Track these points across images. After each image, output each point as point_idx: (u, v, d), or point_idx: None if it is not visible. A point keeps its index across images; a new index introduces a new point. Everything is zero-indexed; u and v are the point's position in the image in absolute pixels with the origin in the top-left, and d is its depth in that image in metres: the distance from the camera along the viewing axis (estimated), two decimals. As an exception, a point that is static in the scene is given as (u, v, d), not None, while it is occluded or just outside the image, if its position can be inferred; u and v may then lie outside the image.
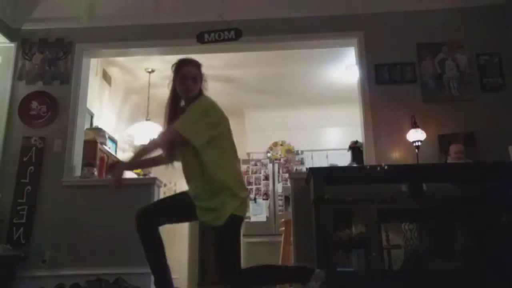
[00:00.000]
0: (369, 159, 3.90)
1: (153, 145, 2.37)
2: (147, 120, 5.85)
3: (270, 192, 6.18)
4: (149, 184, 3.98)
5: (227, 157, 2.27)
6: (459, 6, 4.23)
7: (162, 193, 6.13)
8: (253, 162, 6.40)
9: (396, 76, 4.12)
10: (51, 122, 4.16)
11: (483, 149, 3.80)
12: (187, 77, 2.29)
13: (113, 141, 5.47)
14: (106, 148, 5.00)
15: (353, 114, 4.62)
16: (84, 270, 3.64)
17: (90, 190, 3.96)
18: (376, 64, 4.14)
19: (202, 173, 2.19)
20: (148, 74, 5.76)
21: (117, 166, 2.26)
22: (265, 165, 6.44)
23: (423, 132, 3.77)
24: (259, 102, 6.72)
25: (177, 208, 2.34)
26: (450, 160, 3.71)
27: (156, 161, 2.46)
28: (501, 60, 4.08)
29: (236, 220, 2.21)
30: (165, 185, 6.33)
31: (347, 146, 4.13)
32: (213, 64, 5.07)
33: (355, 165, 3.88)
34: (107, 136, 5.06)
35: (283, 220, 4.34)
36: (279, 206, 6.07)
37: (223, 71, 5.61)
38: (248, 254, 5.77)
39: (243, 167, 6.19)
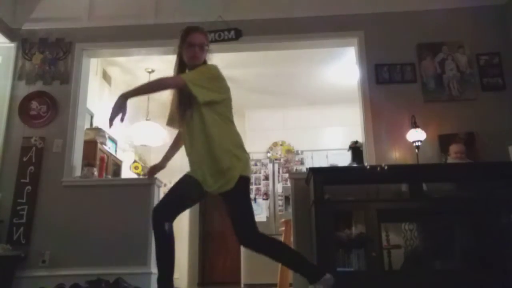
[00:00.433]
0: (369, 159, 3.90)
1: (159, 83, 2.32)
2: (147, 120, 5.85)
3: (270, 192, 6.19)
4: (149, 184, 3.97)
5: (229, 122, 2.36)
6: (459, 6, 4.23)
7: (162, 193, 6.14)
8: (253, 162, 6.40)
9: (396, 76, 4.12)
10: (51, 122, 4.16)
11: (483, 149, 3.81)
12: (194, 44, 2.34)
13: (113, 141, 5.47)
14: (106, 148, 5.01)
15: (353, 114, 4.62)
16: (84, 270, 3.63)
17: (90, 190, 3.96)
18: (376, 64, 4.14)
19: (207, 137, 2.25)
20: (148, 74, 5.76)
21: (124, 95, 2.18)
22: (265, 165, 6.44)
23: (423, 132, 3.77)
24: (259, 102, 6.72)
25: (186, 195, 2.33)
26: (450, 160, 3.71)
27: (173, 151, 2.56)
28: (501, 60, 4.08)
29: (245, 181, 2.30)
30: (165, 185, 6.32)
31: (347, 146, 4.13)
32: (213, 64, 5.07)
33: (355, 165, 3.88)
34: (107, 136, 5.06)
35: (283, 220, 4.34)
36: (279, 206, 6.07)
37: (223, 71, 5.58)
38: (248, 254, 5.78)
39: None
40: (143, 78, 5.86)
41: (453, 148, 3.72)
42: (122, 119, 2.13)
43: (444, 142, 3.87)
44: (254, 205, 5.95)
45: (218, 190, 2.27)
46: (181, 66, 2.43)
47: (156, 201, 3.94)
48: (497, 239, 3.15)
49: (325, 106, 6.71)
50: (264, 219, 6.01)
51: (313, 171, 3.42)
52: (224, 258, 7.32)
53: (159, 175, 4.28)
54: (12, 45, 4.37)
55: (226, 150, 2.27)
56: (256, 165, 6.44)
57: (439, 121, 3.95)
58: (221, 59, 5.26)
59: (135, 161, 6.08)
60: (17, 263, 3.67)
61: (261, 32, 4.28)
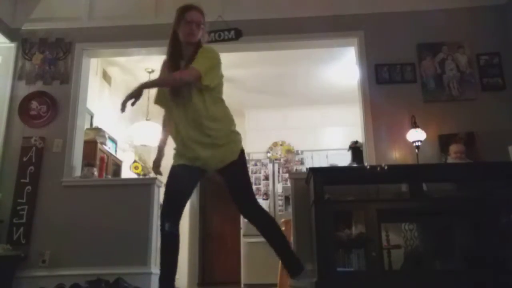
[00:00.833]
0: (369, 159, 3.90)
1: (180, 79, 2.31)
2: (147, 120, 5.85)
3: (270, 192, 6.19)
4: (149, 184, 3.97)
5: (223, 101, 2.42)
6: (459, 6, 4.23)
7: (162, 193, 6.13)
8: (253, 162, 6.41)
9: (396, 76, 4.12)
10: (51, 122, 4.16)
11: (483, 149, 3.81)
12: (192, 21, 2.34)
13: (113, 141, 5.47)
14: (106, 148, 5.01)
15: (353, 114, 4.62)
16: (84, 270, 3.63)
17: (90, 190, 3.97)
18: (376, 64, 4.14)
19: (209, 115, 2.27)
20: (148, 74, 5.76)
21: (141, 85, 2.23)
22: (265, 165, 6.44)
23: (423, 132, 3.78)
24: (259, 102, 6.72)
25: (182, 189, 2.34)
26: (450, 160, 3.71)
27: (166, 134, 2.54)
28: (501, 60, 4.08)
29: (243, 153, 2.40)
30: (165, 185, 6.33)
31: (347, 146, 4.13)
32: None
33: (355, 165, 3.88)
34: (107, 136, 5.06)
35: (283, 220, 4.34)
36: (279, 206, 6.07)
37: (223, 71, 5.60)
38: (248, 254, 5.78)
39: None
40: (143, 78, 5.86)
41: (453, 148, 3.72)
42: (133, 104, 2.18)
43: (444, 142, 3.87)
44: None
45: (221, 163, 2.29)
46: (175, 44, 2.42)
47: (156, 201, 3.95)
48: (497, 239, 3.15)
49: (325, 106, 6.71)
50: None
51: (313, 171, 3.42)
52: (224, 258, 7.32)
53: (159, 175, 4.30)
54: (12, 45, 4.37)
55: (228, 126, 2.34)
56: (256, 165, 6.44)
57: (439, 121, 3.95)
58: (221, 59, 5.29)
59: (135, 161, 6.08)
60: (17, 263, 3.67)
61: (261, 32, 4.28)
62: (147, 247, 3.75)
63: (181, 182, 2.31)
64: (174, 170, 2.35)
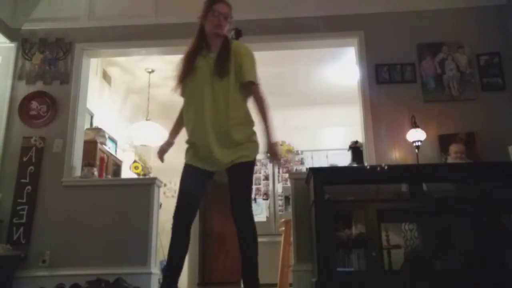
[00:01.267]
0: (369, 159, 3.90)
1: (268, 108, 2.38)
2: (147, 120, 5.85)
3: (270, 192, 6.19)
4: (149, 184, 3.97)
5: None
6: (459, 6, 4.23)
7: (162, 193, 6.14)
8: (253, 162, 6.39)
9: (396, 76, 4.12)
10: (51, 122, 4.16)
11: (483, 149, 3.80)
12: (220, 13, 2.34)
13: (113, 141, 5.47)
14: (106, 148, 5.01)
15: (353, 114, 4.62)
16: (84, 270, 3.64)
17: (90, 190, 3.97)
18: (376, 64, 4.14)
19: (238, 111, 2.28)
20: (148, 74, 5.76)
21: None
22: (265, 165, 6.44)
23: (423, 132, 3.77)
24: (259, 102, 6.71)
25: (195, 191, 2.31)
26: (450, 160, 3.71)
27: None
28: (501, 60, 4.08)
29: (255, 159, 2.40)
30: (165, 185, 6.33)
31: (347, 146, 4.13)
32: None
33: (355, 165, 3.88)
34: (107, 136, 5.06)
35: (283, 220, 4.34)
36: (279, 206, 6.07)
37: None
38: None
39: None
40: (143, 78, 5.88)
41: (453, 148, 3.71)
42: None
43: (444, 142, 3.86)
44: (254, 205, 5.99)
45: (237, 159, 2.25)
46: (201, 36, 2.41)
47: (156, 201, 3.95)
48: (497, 239, 3.15)
49: (325, 106, 6.70)
50: (264, 219, 6.01)
51: (313, 171, 3.42)
52: (224, 258, 7.31)
53: (159, 175, 4.31)
54: (12, 45, 4.37)
55: (251, 125, 2.34)
56: (256, 165, 6.42)
57: (439, 121, 3.95)
58: (221, 59, 5.29)
59: (135, 161, 6.08)
60: (17, 263, 3.68)
61: (261, 32, 4.27)
62: (147, 247, 3.75)
63: (195, 185, 2.28)
64: (189, 171, 2.30)
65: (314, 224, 3.31)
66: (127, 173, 5.73)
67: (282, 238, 4.19)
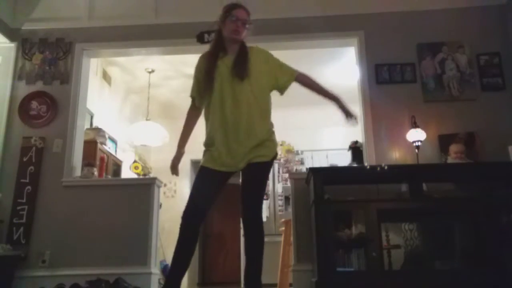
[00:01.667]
0: (369, 159, 3.90)
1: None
2: (147, 120, 5.86)
3: (270, 192, 6.18)
4: (149, 184, 3.98)
5: None
6: (459, 6, 4.23)
7: (162, 193, 6.15)
8: (253, 162, 6.39)
9: (396, 76, 4.12)
10: (51, 122, 4.16)
11: (483, 149, 3.81)
12: (238, 19, 2.36)
13: (113, 141, 5.47)
14: (106, 148, 5.01)
15: (353, 114, 4.61)
16: (84, 270, 3.64)
17: (90, 190, 3.97)
18: (376, 64, 4.14)
19: (262, 111, 2.33)
20: (148, 74, 5.76)
21: None
22: (265, 165, 6.43)
23: (423, 132, 3.77)
24: (259, 102, 6.70)
25: (210, 193, 2.30)
26: (450, 160, 3.71)
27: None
28: (501, 60, 4.08)
29: (273, 160, 2.38)
30: (165, 185, 6.34)
31: (347, 146, 4.13)
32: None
33: (355, 165, 3.88)
34: (107, 136, 5.06)
35: (283, 220, 4.34)
36: (279, 206, 6.07)
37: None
38: (248, 254, 5.77)
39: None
40: (143, 78, 5.88)
41: (453, 148, 3.72)
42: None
43: (444, 142, 3.87)
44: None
45: (254, 159, 2.24)
46: (219, 40, 2.42)
47: (156, 201, 3.95)
48: (497, 239, 3.15)
49: (325, 106, 6.56)
50: (264, 219, 5.95)
51: (313, 171, 3.42)
52: (224, 258, 7.33)
53: (159, 175, 4.31)
54: (12, 45, 4.37)
55: (271, 126, 2.37)
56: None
57: (439, 121, 3.95)
58: (221, 59, 5.29)
59: (135, 161, 6.08)
60: (17, 263, 3.67)
61: (261, 32, 4.26)
62: (147, 247, 3.75)
63: (209, 187, 2.27)
64: (205, 173, 2.28)
65: (314, 224, 3.32)
66: (127, 173, 5.74)
67: (282, 238, 4.19)
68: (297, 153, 6.79)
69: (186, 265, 2.22)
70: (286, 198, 5.85)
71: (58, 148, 4.08)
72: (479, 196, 3.41)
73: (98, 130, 4.89)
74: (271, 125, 2.37)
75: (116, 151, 5.51)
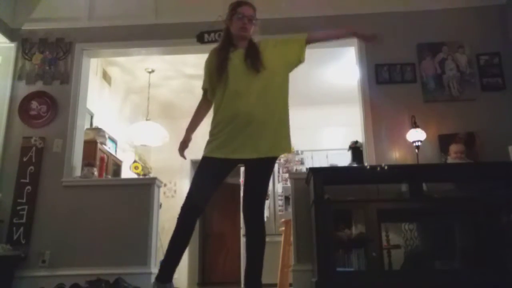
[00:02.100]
0: (369, 159, 3.90)
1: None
2: (147, 120, 5.86)
3: (270, 192, 6.18)
4: (149, 184, 3.98)
5: None
6: (459, 6, 4.23)
7: (162, 193, 6.15)
8: (253, 162, 6.38)
9: (396, 76, 4.12)
10: (51, 122, 4.16)
11: (483, 149, 3.81)
12: (244, 16, 2.36)
13: (113, 141, 5.47)
14: (106, 148, 5.01)
15: (353, 114, 4.62)
16: (84, 270, 3.64)
17: (90, 190, 3.97)
18: (376, 64, 4.14)
19: (284, 103, 2.48)
20: (148, 74, 5.76)
21: None
22: (265, 165, 6.42)
23: (423, 132, 3.77)
24: (259, 102, 6.70)
25: (210, 185, 2.27)
26: (450, 160, 3.71)
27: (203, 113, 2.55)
28: (501, 60, 4.08)
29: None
30: (165, 185, 6.34)
31: (347, 146, 4.13)
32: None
33: (355, 165, 3.88)
34: (107, 136, 5.06)
35: (283, 220, 4.34)
36: (279, 206, 6.07)
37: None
38: (248, 254, 5.77)
39: (243, 167, 6.20)
40: (143, 78, 5.88)
41: (453, 148, 3.72)
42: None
43: (444, 142, 3.87)
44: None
45: (269, 153, 2.30)
46: (227, 38, 2.42)
47: (156, 201, 3.95)
48: (497, 239, 3.15)
49: (325, 106, 6.70)
50: (264, 219, 6.00)
51: (313, 171, 3.42)
52: (224, 258, 7.33)
53: (159, 175, 4.31)
54: (12, 45, 4.37)
55: (289, 121, 2.46)
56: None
57: (439, 121, 3.95)
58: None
59: (135, 161, 6.08)
60: (17, 263, 3.68)
61: (261, 32, 4.26)
62: (147, 247, 3.75)
63: (212, 178, 2.25)
64: (207, 164, 2.25)
65: (314, 224, 3.31)
66: (127, 173, 5.74)
67: (282, 238, 4.19)
68: (297, 153, 6.78)
69: (181, 255, 2.22)
70: (286, 198, 5.85)
71: (58, 148, 4.08)
72: (479, 196, 3.42)
73: (98, 130, 4.89)
74: (289, 120, 2.46)
75: (116, 151, 5.51)
